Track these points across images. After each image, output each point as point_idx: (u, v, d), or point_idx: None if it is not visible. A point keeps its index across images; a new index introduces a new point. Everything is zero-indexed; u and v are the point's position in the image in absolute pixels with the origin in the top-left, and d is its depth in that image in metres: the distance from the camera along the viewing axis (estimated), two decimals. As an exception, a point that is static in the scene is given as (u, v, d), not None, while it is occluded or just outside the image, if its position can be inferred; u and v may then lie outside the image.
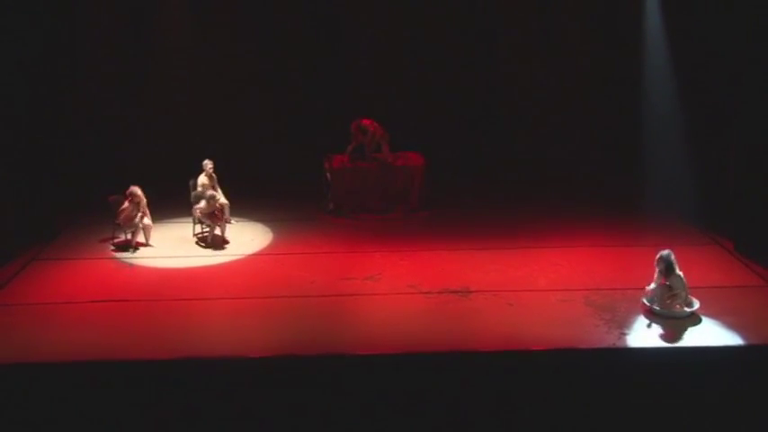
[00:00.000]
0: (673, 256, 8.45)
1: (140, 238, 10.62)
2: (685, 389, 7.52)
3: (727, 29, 10.21)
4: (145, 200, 10.59)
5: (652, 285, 8.51)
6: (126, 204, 10.45)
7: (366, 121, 11.92)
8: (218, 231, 10.70)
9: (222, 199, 11.02)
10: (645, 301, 8.52)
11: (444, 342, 7.90)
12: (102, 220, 10.93)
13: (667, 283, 8.37)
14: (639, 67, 12.78)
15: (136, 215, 10.49)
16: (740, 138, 10.19)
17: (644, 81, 12.72)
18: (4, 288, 9.37)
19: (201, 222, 10.85)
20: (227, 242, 10.73)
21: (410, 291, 9.18)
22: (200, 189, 10.93)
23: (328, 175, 12.12)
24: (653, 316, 8.38)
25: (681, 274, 8.44)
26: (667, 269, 8.39)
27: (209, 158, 11.14)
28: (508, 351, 7.73)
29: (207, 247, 10.63)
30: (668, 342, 7.98)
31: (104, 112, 13.10)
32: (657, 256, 8.49)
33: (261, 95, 13.46)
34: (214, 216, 10.65)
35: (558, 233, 10.88)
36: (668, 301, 8.36)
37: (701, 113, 11.17)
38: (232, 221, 11.21)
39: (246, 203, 11.55)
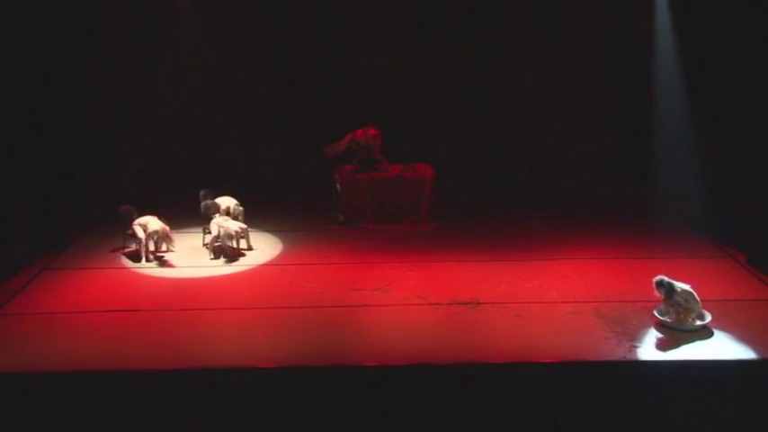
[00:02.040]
0: (666, 277, 8.35)
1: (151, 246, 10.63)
2: (697, 403, 7.45)
3: (740, 40, 10.17)
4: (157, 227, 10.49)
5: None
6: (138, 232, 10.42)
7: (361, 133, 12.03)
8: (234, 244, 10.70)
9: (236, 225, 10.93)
10: (656, 313, 8.46)
11: (454, 353, 7.86)
12: (114, 229, 10.98)
13: (677, 299, 8.29)
14: (649, 78, 12.76)
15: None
16: (752, 148, 10.13)
17: (654, 91, 12.69)
18: (15, 297, 9.40)
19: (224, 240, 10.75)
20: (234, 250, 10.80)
21: (419, 302, 9.16)
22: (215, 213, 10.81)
23: (338, 186, 12.14)
24: (664, 329, 8.33)
25: (686, 287, 8.36)
26: (669, 291, 8.29)
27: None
28: (517, 363, 7.68)
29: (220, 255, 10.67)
30: (679, 355, 7.90)
31: (116, 121, 13.14)
32: (654, 284, 8.36)
33: (271, 104, 13.50)
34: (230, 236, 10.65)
35: (568, 245, 10.83)
36: (682, 316, 8.29)
37: (712, 124, 11.11)
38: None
39: (255, 214, 11.56)
